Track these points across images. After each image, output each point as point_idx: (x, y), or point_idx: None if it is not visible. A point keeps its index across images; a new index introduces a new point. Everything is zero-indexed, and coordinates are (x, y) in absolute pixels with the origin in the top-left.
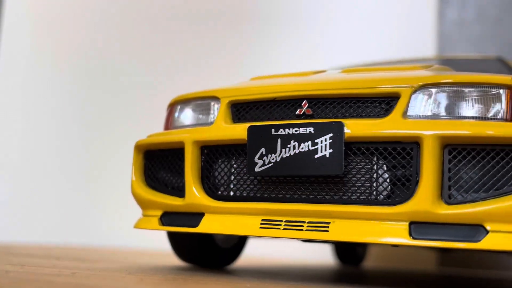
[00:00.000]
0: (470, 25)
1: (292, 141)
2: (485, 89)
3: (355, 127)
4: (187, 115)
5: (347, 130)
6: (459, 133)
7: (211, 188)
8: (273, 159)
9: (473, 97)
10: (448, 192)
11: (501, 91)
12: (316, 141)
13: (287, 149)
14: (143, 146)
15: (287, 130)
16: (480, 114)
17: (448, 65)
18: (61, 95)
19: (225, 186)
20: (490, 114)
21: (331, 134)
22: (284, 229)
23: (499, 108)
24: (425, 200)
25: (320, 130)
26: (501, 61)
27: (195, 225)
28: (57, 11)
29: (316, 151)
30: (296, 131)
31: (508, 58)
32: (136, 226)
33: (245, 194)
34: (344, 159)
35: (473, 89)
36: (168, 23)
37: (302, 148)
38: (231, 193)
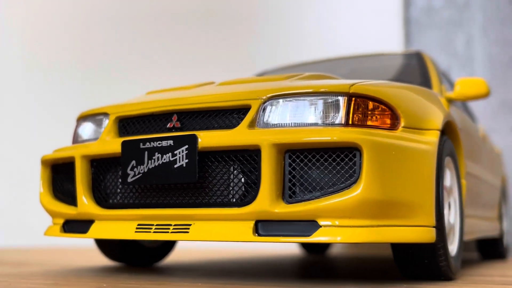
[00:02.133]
0: (438, 11)
1: (156, 153)
2: (325, 97)
3: (207, 139)
4: (85, 130)
5: (200, 141)
6: (295, 140)
7: (100, 197)
8: (141, 170)
9: (314, 105)
10: (289, 192)
11: (340, 98)
12: (175, 152)
13: (153, 160)
14: (48, 161)
15: (152, 143)
16: (320, 120)
17: (370, 62)
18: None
19: (111, 195)
20: (329, 120)
21: (187, 146)
22: (154, 232)
23: (337, 114)
24: (265, 200)
25: (178, 143)
26: (419, 55)
27: (85, 231)
28: None
29: (175, 161)
30: (159, 144)
31: (477, 42)
32: (45, 233)
33: (126, 202)
34: (198, 168)
35: (314, 97)
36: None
37: (164, 159)
38: (115, 202)
